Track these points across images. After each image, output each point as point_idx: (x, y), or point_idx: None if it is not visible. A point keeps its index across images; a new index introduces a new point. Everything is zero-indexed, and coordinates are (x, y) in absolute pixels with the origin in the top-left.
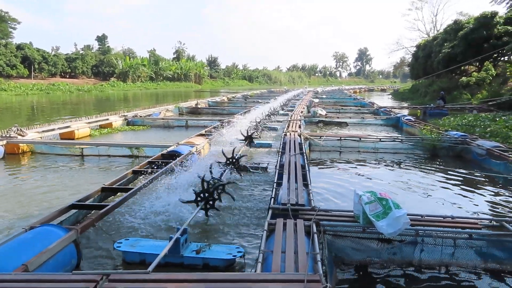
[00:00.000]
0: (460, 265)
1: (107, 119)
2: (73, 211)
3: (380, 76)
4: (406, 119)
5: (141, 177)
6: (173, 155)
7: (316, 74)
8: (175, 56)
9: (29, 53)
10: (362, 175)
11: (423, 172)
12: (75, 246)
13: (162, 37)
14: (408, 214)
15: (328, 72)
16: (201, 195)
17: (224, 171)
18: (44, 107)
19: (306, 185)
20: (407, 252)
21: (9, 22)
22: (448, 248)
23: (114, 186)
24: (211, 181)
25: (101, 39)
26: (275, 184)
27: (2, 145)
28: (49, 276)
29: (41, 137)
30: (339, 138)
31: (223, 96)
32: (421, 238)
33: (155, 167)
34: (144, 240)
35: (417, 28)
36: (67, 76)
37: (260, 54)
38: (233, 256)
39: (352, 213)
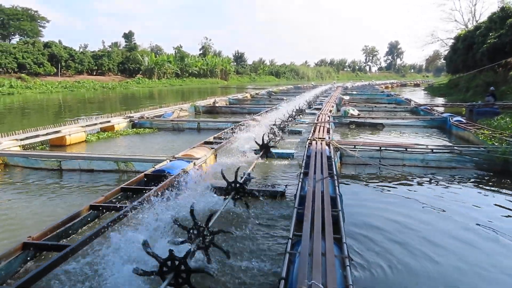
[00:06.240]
0: None
1: (109, 121)
2: None
3: (412, 71)
4: (456, 121)
5: (106, 213)
6: (160, 175)
7: (345, 69)
8: (201, 52)
9: (56, 51)
10: (416, 207)
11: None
12: None
13: (189, 33)
14: None
15: (357, 67)
16: (168, 263)
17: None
18: (66, 105)
19: (339, 242)
20: None
21: (38, 20)
22: None
23: (41, 242)
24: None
25: (128, 36)
26: (289, 242)
27: None
28: None
29: (20, 146)
30: (378, 148)
31: (246, 93)
32: None
33: (131, 196)
34: None
35: (454, 19)
36: (94, 74)
37: (287, 49)
38: None
39: None
